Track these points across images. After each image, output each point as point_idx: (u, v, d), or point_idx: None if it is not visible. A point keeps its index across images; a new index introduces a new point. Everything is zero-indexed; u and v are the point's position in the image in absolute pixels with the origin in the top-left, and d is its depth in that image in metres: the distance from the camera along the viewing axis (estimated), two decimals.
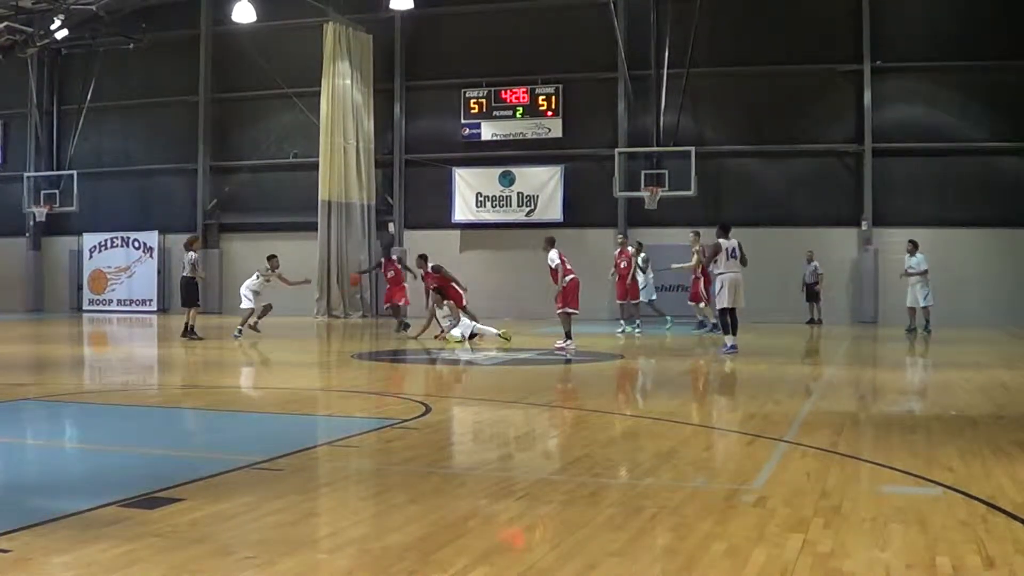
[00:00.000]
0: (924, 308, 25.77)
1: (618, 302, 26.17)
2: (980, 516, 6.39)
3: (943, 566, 5.27)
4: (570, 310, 20.05)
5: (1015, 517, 6.36)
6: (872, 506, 6.71)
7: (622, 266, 25.44)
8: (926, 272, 25.66)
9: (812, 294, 29.76)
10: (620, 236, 27.40)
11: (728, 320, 19.30)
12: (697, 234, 26.12)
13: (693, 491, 7.20)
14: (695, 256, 25.11)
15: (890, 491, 7.27)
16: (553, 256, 20.08)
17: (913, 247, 26.10)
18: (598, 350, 20.87)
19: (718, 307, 19.80)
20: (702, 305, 25.70)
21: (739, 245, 19.24)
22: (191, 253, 23.64)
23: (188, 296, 23.65)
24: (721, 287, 19.18)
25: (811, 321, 29.52)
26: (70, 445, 10.04)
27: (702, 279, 25.33)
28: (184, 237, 35.15)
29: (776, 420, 10.72)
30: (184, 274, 23.81)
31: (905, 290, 26.07)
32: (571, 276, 20.17)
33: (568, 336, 19.93)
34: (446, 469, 8.29)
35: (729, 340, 19.19)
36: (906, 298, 26.05)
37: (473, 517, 6.44)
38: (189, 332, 22.78)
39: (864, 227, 30.16)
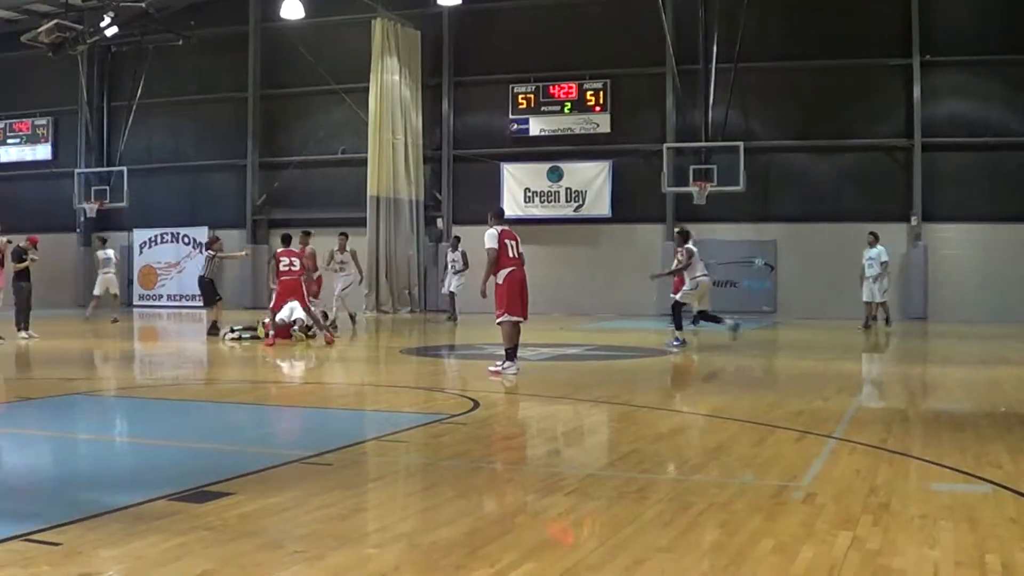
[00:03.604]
0: (882, 303, 25.61)
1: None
2: None
3: (992, 564, 5.22)
4: (514, 317, 14.45)
5: None
6: (921, 503, 6.66)
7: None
8: (886, 264, 25.38)
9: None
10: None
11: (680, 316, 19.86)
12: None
13: (741, 488, 7.17)
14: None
15: (939, 488, 7.22)
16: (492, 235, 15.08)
17: (874, 239, 25.68)
18: (645, 346, 20.83)
19: (697, 308, 20.28)
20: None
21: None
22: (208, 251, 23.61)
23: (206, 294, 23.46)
24: (696, 287, 19.76)
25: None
26: (120, 439, 10.17)
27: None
28: (234, 233, 35.78)
29: (825, 416, 10.66)
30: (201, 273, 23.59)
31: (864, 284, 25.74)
32: (512, 268, 14.93)
33: (510, 356, 14.47)
34: (494, 464, 8.32)
35: (680, 335, 19.63)
36: (862, 293, 25.58)
37: (521, 513, 6.46)
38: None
39: (913, 222, 29.86)
